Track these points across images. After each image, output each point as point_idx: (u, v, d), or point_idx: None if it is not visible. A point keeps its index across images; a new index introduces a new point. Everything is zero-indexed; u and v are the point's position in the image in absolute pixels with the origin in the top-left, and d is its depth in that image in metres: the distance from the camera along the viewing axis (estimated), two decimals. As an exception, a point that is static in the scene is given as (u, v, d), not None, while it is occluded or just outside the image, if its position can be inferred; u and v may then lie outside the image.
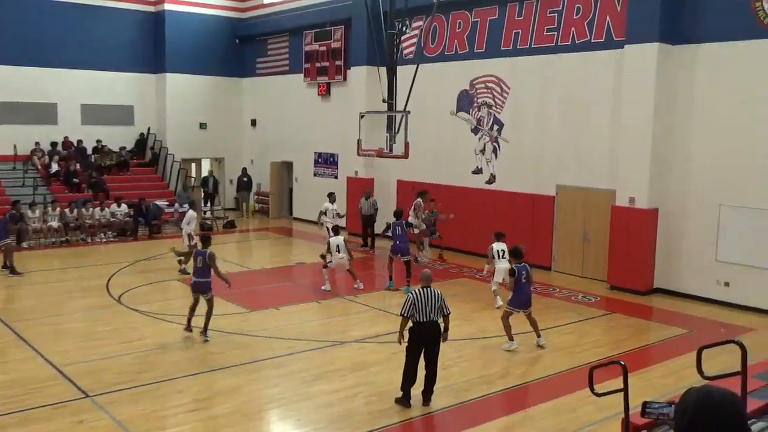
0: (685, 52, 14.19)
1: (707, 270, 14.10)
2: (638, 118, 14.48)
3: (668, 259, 14.71)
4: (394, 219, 15.55)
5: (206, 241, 11.69)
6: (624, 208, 14.84)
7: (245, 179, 26.54)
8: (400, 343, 8.74)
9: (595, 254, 15.96)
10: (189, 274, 16.03)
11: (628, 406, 5.78)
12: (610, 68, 15.38)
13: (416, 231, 17.42)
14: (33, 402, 8.54)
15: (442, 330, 8.68)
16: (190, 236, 16.27)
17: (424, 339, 8.51)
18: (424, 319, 8.46)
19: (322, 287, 14.58)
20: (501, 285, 12.96)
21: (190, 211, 16.82)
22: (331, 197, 18.74)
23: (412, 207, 17.90)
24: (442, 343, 8.72)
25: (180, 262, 16.08)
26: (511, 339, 10.96)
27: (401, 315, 8.59)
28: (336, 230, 15.40)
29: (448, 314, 8.71)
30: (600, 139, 15.74)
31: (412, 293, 8.62)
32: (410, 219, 17.20)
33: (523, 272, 10.97)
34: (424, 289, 8.60)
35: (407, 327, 8.60)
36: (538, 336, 11.12)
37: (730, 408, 2.51)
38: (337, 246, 14.43)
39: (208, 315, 11.19)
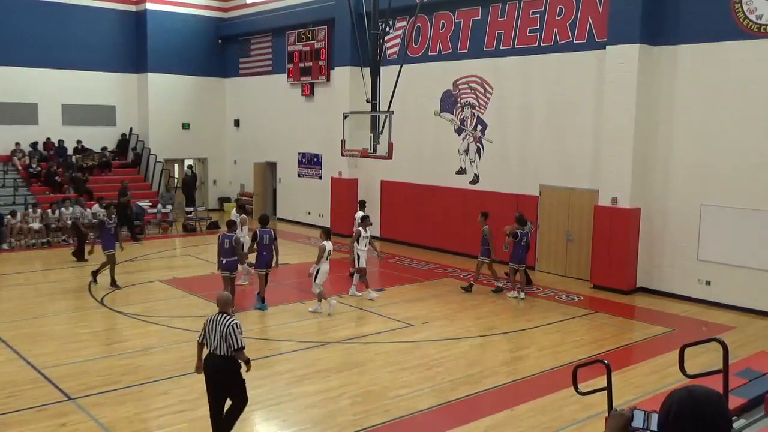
0: (666, 52, 14.33)
1: (689, 269, 14.24)
2: (620, 118, 14.59)
3: (650, 258, 14.83)
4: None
5: (231, 225, 13.11)
6: (607, 207, 14.95)
7: (190, 175, 25.86)
8: (198, 372, 7.50)
9: (578, 254, 16.06)
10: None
11: (612, 404, 5.82)
12: (592, 69, 15.49)
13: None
14: (14, 405, 8.44)
15: (242, 364, 7.28)
16: None
17: (208, 374, 7.25)
18: (210, 350, 7.19)
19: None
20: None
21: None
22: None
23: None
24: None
25: None
26: (521, 290, 13.91)
27: (197, 341, 7.48)
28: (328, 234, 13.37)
29: (239, 349, 7.09)
30: (582, 139, 15.85)
31: (208, 317, 7.38)
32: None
33: (524, 238, 13.85)
34: (218, 315, 7.23)
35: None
36: (518, 292, 13.81)
37: (713, 407, 2.53)
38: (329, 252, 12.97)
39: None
